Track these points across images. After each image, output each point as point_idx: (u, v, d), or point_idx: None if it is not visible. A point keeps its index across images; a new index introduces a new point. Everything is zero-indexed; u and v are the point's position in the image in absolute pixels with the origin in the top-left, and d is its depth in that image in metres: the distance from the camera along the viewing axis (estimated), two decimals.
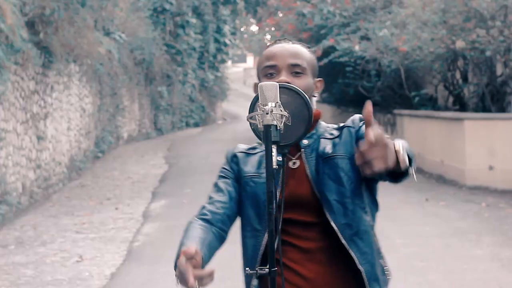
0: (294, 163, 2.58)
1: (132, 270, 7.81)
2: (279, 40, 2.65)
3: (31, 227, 10.12)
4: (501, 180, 12.55)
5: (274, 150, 2.23)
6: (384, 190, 10.64)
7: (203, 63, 33.33)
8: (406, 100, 17.69)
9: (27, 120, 11.99)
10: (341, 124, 2.66)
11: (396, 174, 2.36)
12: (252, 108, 2.35)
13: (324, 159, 2.54)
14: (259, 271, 2.27)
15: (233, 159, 2.68)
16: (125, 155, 19.39)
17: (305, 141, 2.58)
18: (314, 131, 2.62)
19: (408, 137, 16.93)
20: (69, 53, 14.42)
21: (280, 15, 22.80)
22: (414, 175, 2.28)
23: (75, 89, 15.98)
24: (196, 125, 31.94)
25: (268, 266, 2.24)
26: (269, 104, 2.23)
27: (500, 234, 9.03)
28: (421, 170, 15.35)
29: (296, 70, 2.54)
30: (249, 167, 2.63)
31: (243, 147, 2.73)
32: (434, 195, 12.07)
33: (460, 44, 13.81)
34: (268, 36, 25.99)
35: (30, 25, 12.12)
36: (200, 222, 2.55)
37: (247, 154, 2.68)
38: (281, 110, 2.25)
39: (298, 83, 2.50)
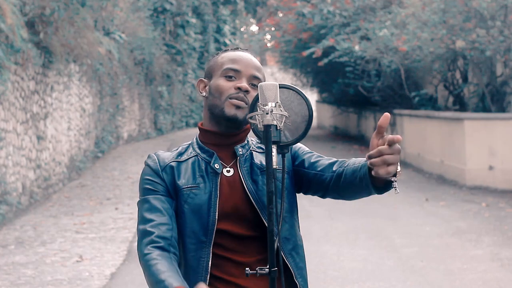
0: (228, 171, 2.55)
1: (132, 270, 7.81)
2: (241, 49, 2.67)
3: (31, 227, 10.12)
4: (501, 180, 12.55)
5: (274, 150, 2.23)
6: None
7: (203, 63, 33.33)
8: (406, 100, 17.71)
9: (27, 120, 11.99)
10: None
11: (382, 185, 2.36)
12: (252, 108, 2.35)
13: (262, 171, 2.54)
14: (259, 271, 2.27)
15: (165, 170, 2.56)
16: (125, 155, 19.40)
17: (240, 150, 2.58)
18: (245, 142, 2.62)
19: (408, 137, 16.93)
20: (69, 53, 14.42)
21: (280, 15, 22.79)
22: (397, 188, 2.29)
23: (75, 89, 15.98)
24: (196, 125, 31.93)
25: (268, 266, 2.24)
26: (269, 104, 2.23)
27: (500, 234, 9.03)
28: (421, 170, 15.35)
29: (254, 82, 2.56)
30: (184, 178, 2.55)
31: (168, 154, 2.62)
32: (434, 195, 12.07)
33: (460, 44, 13.82)
34: (268, 36, 26.01)
35: (30, 25, 12.12)
36: (158, 252, 2.40)
37: (178, 162, 2.59)
38: (281, 110, 2.25)
39: (252, 94, 2.52)
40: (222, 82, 2.56)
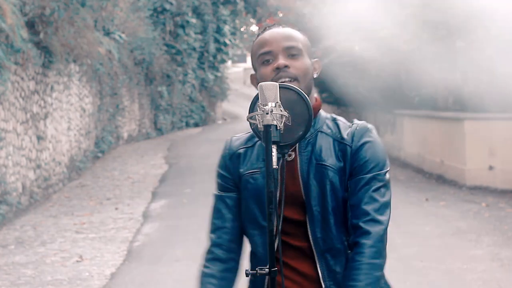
0: (290, 155, 2.52)
1: (132, 270, 7.81)
2: (268, 27, 2.59)
3: (31, 227, 10.12)
4: (501, 180, 12.54)
5: (274, 150, 2.23)
6: None
7: (203, 63, 33.33)
8: (406, 100, 17.69)
9: (27, 120, 11.99)
10: (341, 125, 2.55)
11: None
12: (252, 108, 2.34)
13: (318, 163, 2.48)
14: (259, 271, 2.27)
15: (231, 159, 2.59)
16: (125, 155, 19.39)
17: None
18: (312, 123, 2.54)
19: (408, 137, 16.93)
20: (69, 53, 14.42)
21: (280, 15, 22.79)
22: None
23: (75, 89, 15.98)
24: (196, 125, 31.94)
25: (268, 266, 2.24)
26: (269, 104, 2.23)
27: (500, 234, 9.03)
28: (421, 170, 15.35)
29: (292, 52, 2.49)
30: (248, 163, 2.56)
31: (240, 141, 2.63)
32: (434, 195, 12.07)
33: (460, 44, 13.81)
34: None
35: (30, 25, 12.12)
36: (214, 268, 2.59)
37: (246, 148, 2.59)
38: (281, 110, 2.24)
39: (297, 65, 2.47)
40: (263, 70, 2.50)
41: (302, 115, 2.35)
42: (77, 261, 8.21)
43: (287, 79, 2.45)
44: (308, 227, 2.46)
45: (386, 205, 2.46)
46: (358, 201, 2.44)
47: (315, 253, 2.47)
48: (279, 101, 2.25)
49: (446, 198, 11.72)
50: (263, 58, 2.51)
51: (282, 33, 2.52)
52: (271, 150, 2.21)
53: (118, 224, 10.29)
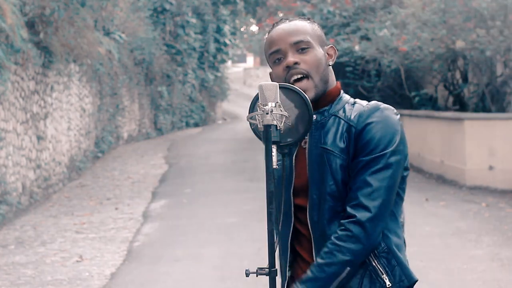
0: (305, 142, 2.50)
1: (132, 270, 7.81)
2: (277, 23, 2.57)
3: (31, 227, 10.12)
4: (501, 180, 12.55)
5: (274, 150, 2.23)
6: None
7: (203, 63, 33.31)
8: (406, 100, 17.70)
9: (27, 120, 11.99)
10: (355, 107, 2.49)
11: None
12: (252, 108, 2.34)
13: (321, 147, 2.45)
14: (259, 271, 2.27)
15: None
16: (125, 155, 19.39)
17: (314, 116, 2.44)
18: (327, 107, 2.51)
19: (408, 137, 16.89)
20: (69, 53, 14.42)
21: (280, 15, 22.79)
22: None
23: (75, 89, 15.98)
24: (196, 125, 31.93)
25: (267, 266, 2.24)
26: (269, 104, 2.23)
27: (500, 234, 9.03)
28: (421, 170, 15.35)
29: (300, 46, 2.46)
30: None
31: None
32: (434, 195, 12.07)
33: (460, 44, 13.81)
34: None
35: (30, 25, 12.12)
36: None
37: None
38: (281, 110, 2.24)
39: (307, 59, 2.44)
40: (275, 69, 2.49)
41: (302, 115, 2.34)
42: (77, 261, 8.21)
43: (299, 76, 2.43)
44: (307, 212, 2.44)
45: (380, 190, 2.38)
46: (352, 185, 2.40)
47: (312, 239, 2.45)
48: (279, 101, 2.24)
49: (446, 198, 11.72)
50: (274, 58, 2.49)
51: (288, 29, 2.49)
52: (271, 150, 2.21)
53: (118, 224, 10.29)
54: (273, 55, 2.49)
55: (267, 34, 2.57)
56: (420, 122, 16.09)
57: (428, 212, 10.66)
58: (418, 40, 14.78)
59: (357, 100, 2.54)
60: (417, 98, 16.92)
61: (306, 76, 2.44)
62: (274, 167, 2.21)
